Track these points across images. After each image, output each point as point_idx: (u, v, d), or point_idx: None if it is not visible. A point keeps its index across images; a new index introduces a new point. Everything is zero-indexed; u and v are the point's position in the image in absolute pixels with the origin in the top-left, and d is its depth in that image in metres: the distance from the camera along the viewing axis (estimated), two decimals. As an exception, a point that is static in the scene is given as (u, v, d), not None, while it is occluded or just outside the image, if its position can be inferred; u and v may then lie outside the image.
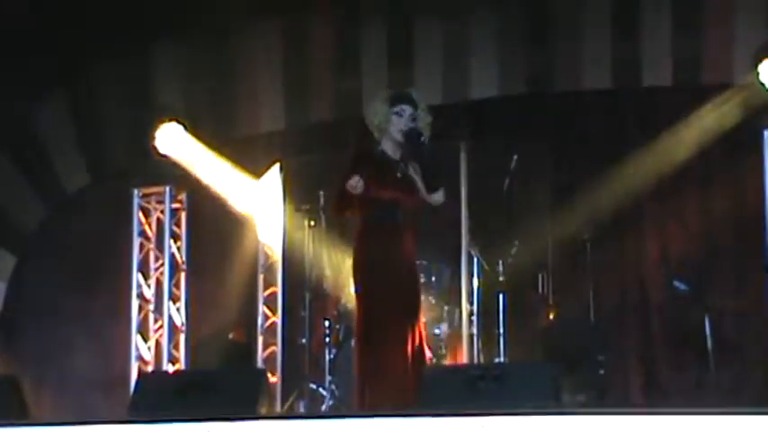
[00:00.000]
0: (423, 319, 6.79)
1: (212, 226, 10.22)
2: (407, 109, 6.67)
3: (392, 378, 6.35)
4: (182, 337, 9.98)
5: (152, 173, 10.04)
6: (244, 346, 9.96)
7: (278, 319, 9.85)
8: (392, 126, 6.68)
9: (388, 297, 6.53)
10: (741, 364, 8.89)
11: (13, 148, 10.25)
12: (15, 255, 10.41)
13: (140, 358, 9.92)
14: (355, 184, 6.50)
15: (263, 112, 10.14)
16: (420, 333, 6.61)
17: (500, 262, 8.83)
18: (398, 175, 6.65)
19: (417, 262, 6.88)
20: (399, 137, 6.68)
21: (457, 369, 6.94)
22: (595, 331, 8.89)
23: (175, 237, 10.07)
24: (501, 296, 8.71)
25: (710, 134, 8.92)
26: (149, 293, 10.03)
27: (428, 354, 6.85)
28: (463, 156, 8.77)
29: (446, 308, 8.58)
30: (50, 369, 9.95)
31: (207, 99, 10.14)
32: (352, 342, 8.52)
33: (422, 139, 6.63)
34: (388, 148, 6.75)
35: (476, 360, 8.59)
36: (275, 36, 10.05)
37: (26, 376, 9.05)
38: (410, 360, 6.42)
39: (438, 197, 6.69)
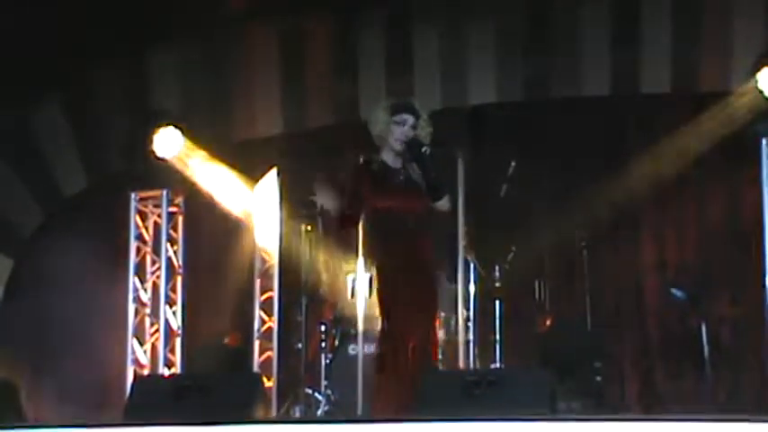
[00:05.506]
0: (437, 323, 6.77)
1: (209, 230, 10.23)
2: (409, 118, 6.58)
3: (407, 384, 6.27)
4: (178, 341, 9.97)
5: (149, 177, 10.04)
6: (239, 350, 9.96)
7: (274, 323, 9.84)
8: (392, 135, 6.59)
9: (407, 305, 6.45)
10: (737, 371, 8.88)
11: (10, 152, 10.24)
12: (12, 258, 10.39)
13: (136, 362, 9.91)
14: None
15: (260, 116, 10.13)
16: (435, 338, 6.60)
17: (496, 268, 8.82)
18: (400, 178, 6.60)
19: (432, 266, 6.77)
20: (398, 146, 6.59)
21: (453, 375, 6.92)
22: (592, 338, 8.88)
23: (172, 241, 10.07)
24: (497, 302, 8.70)
25: (709, 141, 8.92)
26: (146, 297, 10.03)
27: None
28: (460, 162, 8.76)
29: (442, 314, 8.56)
30: (46, 372, 9.93)
31: (204, 103, 10.13)
32: (349, 347, 8.54)
33: (423, 149, 6.55)
34: (389, 157, 6.67)
35: (472, 366, 8.57)
36: (273, 41, 10.05)
37: (22, 380, 9.04)
38: (421, 365, 6.36)
39: (443, 204, 6.63)
